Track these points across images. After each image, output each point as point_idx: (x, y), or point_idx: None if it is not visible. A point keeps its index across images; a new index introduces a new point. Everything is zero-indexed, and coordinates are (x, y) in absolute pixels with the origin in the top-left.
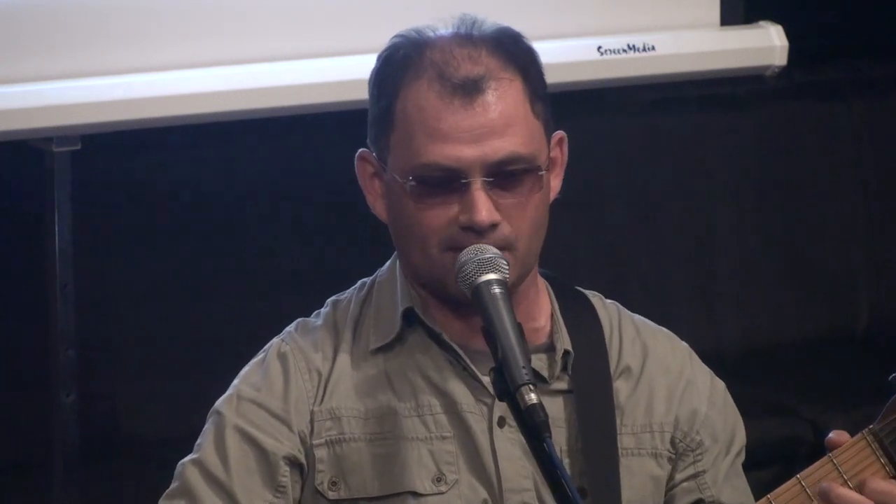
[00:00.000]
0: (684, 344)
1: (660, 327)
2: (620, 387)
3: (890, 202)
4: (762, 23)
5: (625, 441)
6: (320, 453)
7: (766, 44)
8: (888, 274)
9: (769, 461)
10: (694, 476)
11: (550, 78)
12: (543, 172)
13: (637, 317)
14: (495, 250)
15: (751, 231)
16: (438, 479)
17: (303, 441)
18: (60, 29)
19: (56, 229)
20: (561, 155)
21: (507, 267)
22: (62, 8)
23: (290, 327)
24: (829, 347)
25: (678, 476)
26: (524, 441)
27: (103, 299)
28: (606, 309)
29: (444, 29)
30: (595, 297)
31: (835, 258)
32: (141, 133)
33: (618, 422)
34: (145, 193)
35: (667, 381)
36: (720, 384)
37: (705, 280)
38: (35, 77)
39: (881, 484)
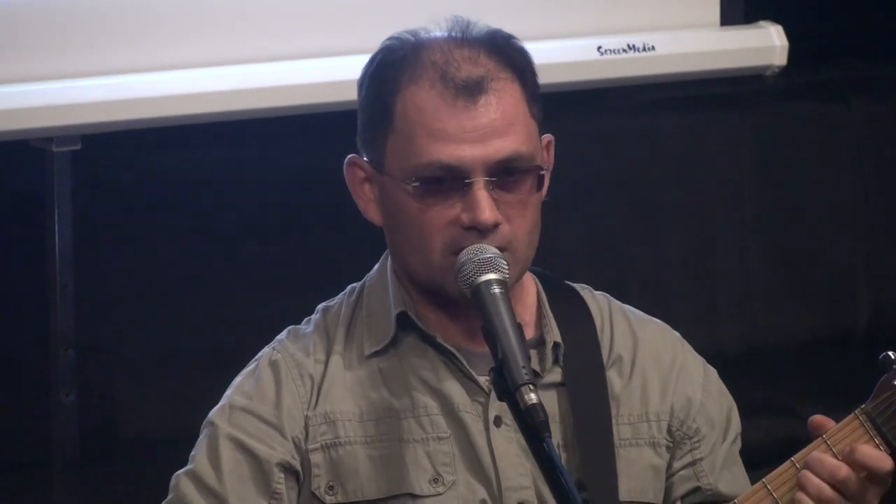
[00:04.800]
0: (676, 333)
1: (651, 317)
2: (614, 377)
3: (890, 202)
4: (762, 23)
5: (622, 431)
6: (316, 458)
7: (766, 44)
8: (888, 274)
9: (769, 461)
10: (692, 464)
11: (550, 78)
12: (544, 172)
13: (627, 307)
14: (495, 250)
15: (751, 231)
16: (435, 480)
17: (297, 447)
18: (60, 29)
19: (56, 229)
20: (549, 158)
21: (507, 267)
22: (62, 8)
23: (281, 335)
24: (829, 347)
25: (676, 464)
26: (521, 439)
27: (103, 299)
28: (596, 300)
29: (437, 31)
30: (584, 290)
31: (835, 258)
32: (141, 133)
33: (613, 412)
34: (145, 193)
35: (659, 370)
36: (713, 371)
37: (705, 280)
38: (35, 77)
39: (871, 450)
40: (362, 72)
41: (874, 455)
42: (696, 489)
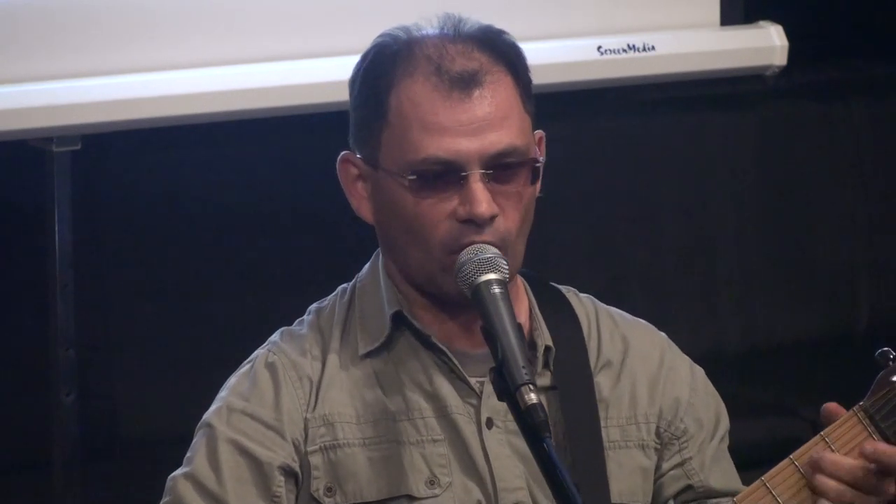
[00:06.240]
0: (662, 334)
1: (636, 319)
2: (602, 380)
3: (890, 202)
4: (762, 23)
5: (611, 434)
6: (315, 460)
7: (766, 44)
8: (888, 274)
9: (769, 461)
10: (681, 464)
11: (551, 78)
12: (539, 164)
13: (613, 309)
14: (495, 250)
15: (751, 231)
16: (432, 483)
17: (297, 449)
18: (60, 29)
19: (56, 229)
20: (541, 154)
21: (506, 267)
22: (62, 8)
23: (275, 337)
24: (829, 347)
25: (665, 465)
26: (513, 441)
27: (103, 299)
28: (582, 303)
29: (429, 27)
30: (569, 292)
31: (835, 258)
32: (141, 133)
33: (603, 415)
34: (145, 193)
35: (647, 372)
36: (699, 371)
37: (705, 280)
38: (35, 77)
39: (882, 445)
40: (354, 69)
41: (889, 451)
42: (688, 487)
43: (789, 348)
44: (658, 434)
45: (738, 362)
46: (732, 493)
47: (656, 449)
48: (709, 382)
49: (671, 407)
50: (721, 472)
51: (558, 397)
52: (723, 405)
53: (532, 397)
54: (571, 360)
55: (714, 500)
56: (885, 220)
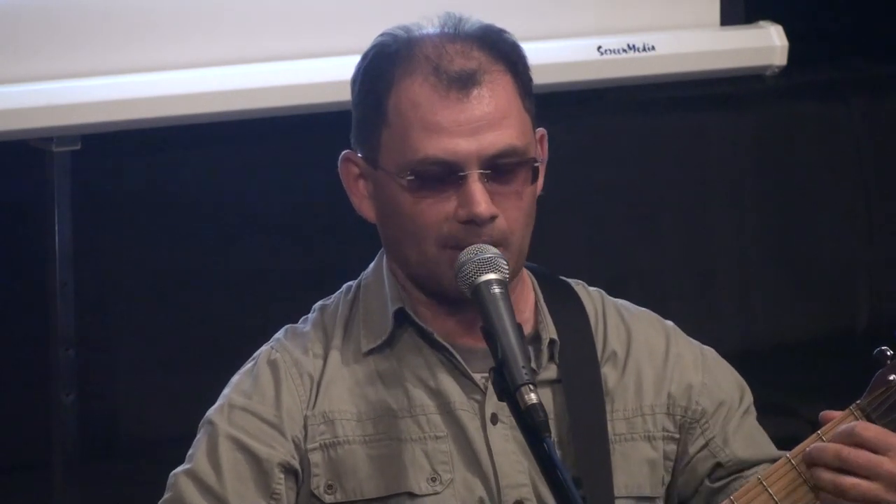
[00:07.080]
0: (668, 323)
1: (642, 309)
2: (608, 373)
3: (890, 202)
4: (762, 23)
5: (617, 427)
6: (315, 457)
7: (766, 44)
8: (888, 274)
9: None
10: (706, 445)
11: (550, 78)
12: (538, 164)
13: (620, 301)
14: (495, 250)
15: (750, 231)
16: (433, 479)
17: (297, 446)
18: (60, 29)
19: (56, 229)
20: (543, 152)
21: (506, 267)
22: (62, 8)
23: (279, 334)
24: (829, 347)
25: (691, 449)
26: (518, 437)
27: (103, 299)
28: (590, 296)
29: (430, 27)
30: (578, 286)
31: (835, 258)
32: (141, 133)
33: (608, 408)
34: (145, 193)
35: (653, 362)
36: (710, 351)
37: (705, 280)
38: (35, 77)
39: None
40: (356, 69)
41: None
42: (718, 465)
43: (789, 348)
44: (674, 421)
45: (738, 362)
46: (766, 461)
47: (673, 438)
48: (722, 360)
49: (683, 393)
50: (746, 441)
51: (563, 390)
52: (741, 378)
53: (532, 397)
54: (578, 352)
55: (751, 471)
56: (885, 220)
